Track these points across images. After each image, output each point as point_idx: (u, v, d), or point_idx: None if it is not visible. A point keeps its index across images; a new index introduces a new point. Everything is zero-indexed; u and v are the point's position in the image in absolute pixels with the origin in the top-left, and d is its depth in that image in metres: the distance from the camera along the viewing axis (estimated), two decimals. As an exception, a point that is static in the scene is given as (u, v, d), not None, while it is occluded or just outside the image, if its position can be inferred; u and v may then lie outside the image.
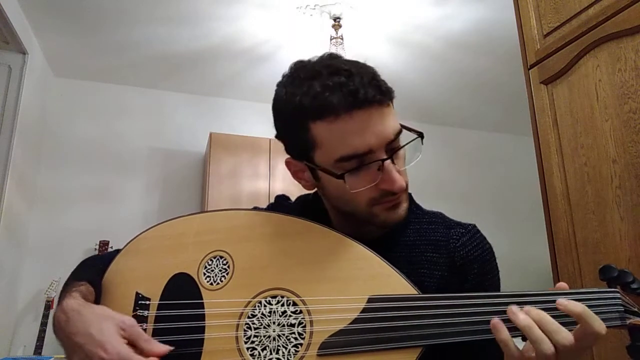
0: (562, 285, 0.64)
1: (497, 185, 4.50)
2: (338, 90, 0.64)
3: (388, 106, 0.68)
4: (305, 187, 0.78)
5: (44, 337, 2.69)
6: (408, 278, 0.67)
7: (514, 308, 0.59)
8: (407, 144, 0.71)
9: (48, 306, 2.80)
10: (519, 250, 4.05)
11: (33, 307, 3.07)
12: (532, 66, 1.53)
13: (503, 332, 0.57)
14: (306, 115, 0.67)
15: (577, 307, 0.57)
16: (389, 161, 0.67)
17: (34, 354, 2.66)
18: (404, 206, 0.73)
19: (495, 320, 0.58)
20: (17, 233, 2.97)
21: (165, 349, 0.64)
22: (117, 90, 3.65)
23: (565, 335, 0.56)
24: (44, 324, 2.72)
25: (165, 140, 3.69)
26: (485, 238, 0.80)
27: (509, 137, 4.65)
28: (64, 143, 3.43)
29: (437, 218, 0.83)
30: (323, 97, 0.65)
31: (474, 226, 0.80)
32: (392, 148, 0.69)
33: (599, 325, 0.57)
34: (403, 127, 0.70)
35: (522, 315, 0.57)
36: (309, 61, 0.71)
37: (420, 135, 0.72)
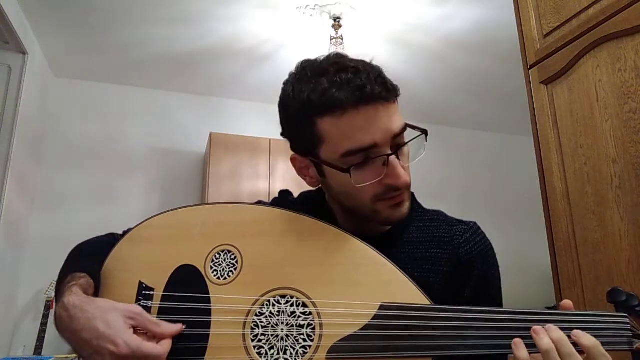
0: (567, 304, 0.64)
1: (497, 186, 4.50)
2: (345, 86, 0.65)
3: (394, 103, 0.69)
4: (310, 183, 0.78)
5: (44, 337, 2.68)
6: (413, 275, 0.67)
7: (539, 328, 0.59)
8: (411, 140, 0.72)
9: (48, 306, 2.79)
10: (519, 250, 4.06)
11: (33, 307, 3.07)
12: (532, 66, 1.53)
13: (522, 351, 0.58)
14: (313, 111, 0.68)
15: (590, 340, 0.58)
16: (394, 156, 0.68)
17: (34, 354, 2.65)
18: (407, 204, 0.73)
19: (518, 340, 0.59)
20: (17, 233, 2.96)
21: (176, 328, 0.63)
22: (117, 90, 3.65)
23: None
24: (44, 324, 2.72)
25: (165, 140, 3.69)
26: (486, 235, 0.81)
27: (508, 137, 4.65)
28: (64, 143, 3.43)
29: (439, 216, 0.84)
30: (330, 93, 0.66)
31: (475, 223, 0.82)
32: (397, 144, 0.69)
33: None
34: (408, 125, 0.71)
35: (546, 340, 0.58)
36: (316, 60, 0.72)
37: (425, 132, 0.72)
